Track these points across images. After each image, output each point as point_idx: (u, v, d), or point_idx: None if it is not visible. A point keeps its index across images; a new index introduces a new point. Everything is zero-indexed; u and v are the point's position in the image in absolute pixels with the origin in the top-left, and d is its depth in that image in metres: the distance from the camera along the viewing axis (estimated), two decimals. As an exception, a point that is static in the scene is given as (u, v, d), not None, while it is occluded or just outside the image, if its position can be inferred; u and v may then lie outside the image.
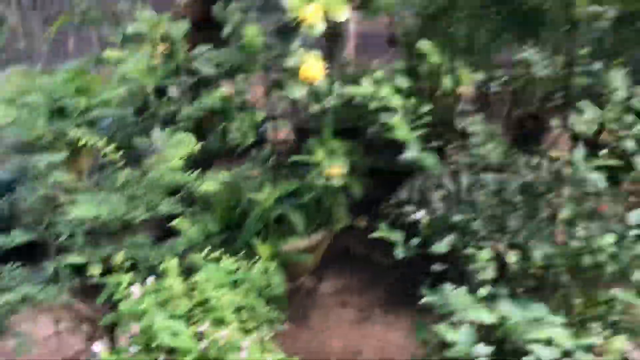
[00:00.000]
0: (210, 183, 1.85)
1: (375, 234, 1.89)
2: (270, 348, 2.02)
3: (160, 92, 2.50)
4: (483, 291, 1.64)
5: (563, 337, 1.42)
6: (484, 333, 1.48)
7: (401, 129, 1.69)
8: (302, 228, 2.76)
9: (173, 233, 2.49)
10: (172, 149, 1.86)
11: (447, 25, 2.55)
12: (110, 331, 2.03)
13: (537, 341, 1.44)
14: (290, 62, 2.26)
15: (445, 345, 2.11)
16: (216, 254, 2.17)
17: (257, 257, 2.49)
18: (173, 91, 2.47)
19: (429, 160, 1.71)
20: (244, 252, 2.35)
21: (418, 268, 3.41)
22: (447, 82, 2.38)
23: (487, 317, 1.50)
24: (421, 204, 3.04)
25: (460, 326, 1.48)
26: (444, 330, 1.48)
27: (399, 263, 3.50)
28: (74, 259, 1.72)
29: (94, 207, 1.64)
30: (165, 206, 1.85)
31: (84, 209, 1.61)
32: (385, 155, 4.00)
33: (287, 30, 2.21)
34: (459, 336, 1.44)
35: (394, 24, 3.60)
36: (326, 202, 3.07)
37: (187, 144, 1.92)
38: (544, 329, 1.42)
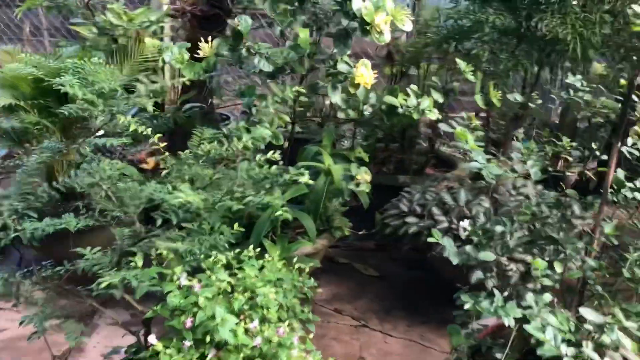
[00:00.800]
0: (307, 177, 1.84)
1: (431, 239, 1.94)
2: (311, 347, 2.02)
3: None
4: (547, 297, 1.74)
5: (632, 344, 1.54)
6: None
7: (469, 139, 1.76)
8: (313, 233, 2.77)
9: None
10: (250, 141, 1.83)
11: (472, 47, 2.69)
12: (147, 325, 1.95)
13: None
14: (341, 67, 2.30)
15: (477, 350, 2.21)
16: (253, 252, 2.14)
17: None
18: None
19: (495, 170, 1.79)
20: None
21: (400, 278, 3.52)
22: (478, 100, 2.50)
23: (555, 321, 1.59)
24: (423, 216, 3.16)
25: (546, 328, 1.56)
26: (533, 330, 1.56)
27: (382, 273, 3.61)
28: (167, 244, 1.65)
29: (193, 195, 1.59)
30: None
31: (186, 196, 1.56)
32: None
33: (344, 36, 2.25)
34: (547, 335, 1.52)
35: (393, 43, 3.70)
36: (328, 209, 3.10)
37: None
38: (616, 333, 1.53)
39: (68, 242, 2.69)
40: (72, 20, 5.03)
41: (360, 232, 3.15)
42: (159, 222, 1.76)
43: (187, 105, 2.75)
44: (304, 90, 2.20)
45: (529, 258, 2.50)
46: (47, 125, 2.89)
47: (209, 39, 2.44)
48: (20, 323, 1.79)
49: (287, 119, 2.54)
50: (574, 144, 4.20)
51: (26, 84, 2.88)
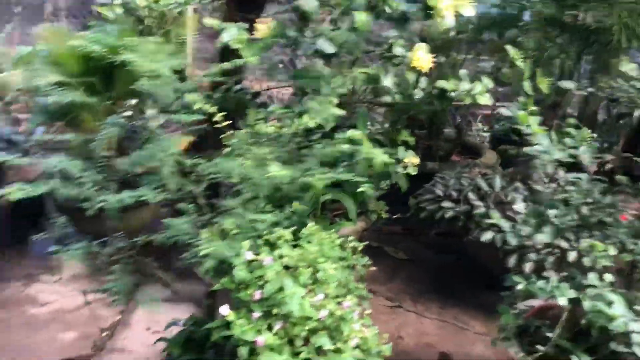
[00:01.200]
0: (386, 156, 1.89)
1: (490, 220, 2.00)
2: (368, 322, 2.09)
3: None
4: (608, 277, 1.80)
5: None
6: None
7: (532, 122, 1.82)
8: (354, 214, 2.82)
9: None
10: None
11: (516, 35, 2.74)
12: (213, 297, 2.01)
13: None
14: (397, 50, 2.34)
15: (523, 330, 2.27)
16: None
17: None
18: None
19: (556, 154, 1.84)
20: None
21: (431, 262, 3.59)
22: (526, 86, 2.54)
23: (618, 299, 1.65)
24: (459, 201, 3.21)
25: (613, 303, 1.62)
26: (604, 306, 1.62)
27: (412, 256, 3.68)
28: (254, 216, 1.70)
29: (282, 170, 1.64)
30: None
31: (277, 170, 1.61)
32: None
33: (404, 20, 2.29)
34: (617, 311, 1.59)
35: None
36: (364, 193, 3.15)
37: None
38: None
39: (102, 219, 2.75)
40: (98, 1, 5.06)
41: (395, 216, 3.20)
42: (247, 195, 1.82)
43: (237, 87, 2.80)
44: (370, 72, 2.24)
45: (563, 244, 2.58)
46: (92, 104, 2.92)
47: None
48: (103, 291, 1.84)
49: (336, 101, 2.59)
50: (594, 135, 4.26)
51: (74, 61, 2.91)
